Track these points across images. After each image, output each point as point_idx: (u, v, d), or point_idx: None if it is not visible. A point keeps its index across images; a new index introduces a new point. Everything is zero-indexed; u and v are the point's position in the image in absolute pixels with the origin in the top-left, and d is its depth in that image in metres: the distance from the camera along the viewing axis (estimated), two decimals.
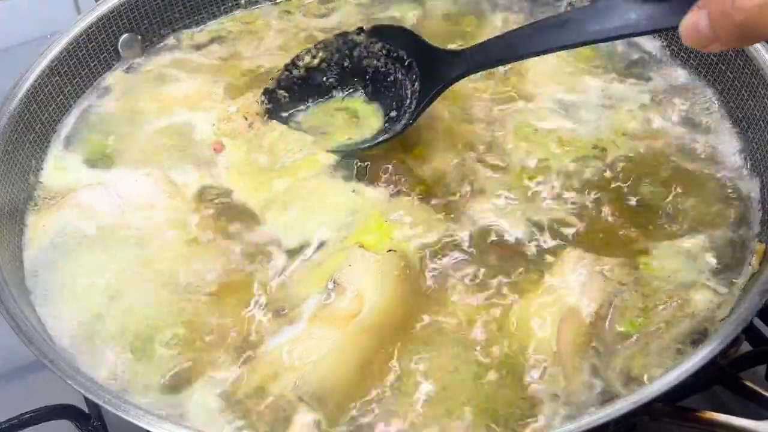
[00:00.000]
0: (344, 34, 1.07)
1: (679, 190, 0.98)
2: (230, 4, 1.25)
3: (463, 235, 0.95)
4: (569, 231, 0.95)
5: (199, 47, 1.21)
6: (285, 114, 1.08)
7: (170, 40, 1.22)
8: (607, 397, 0.82)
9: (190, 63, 1.19)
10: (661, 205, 0.97)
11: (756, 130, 1.01)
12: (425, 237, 0.95)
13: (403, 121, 1.00)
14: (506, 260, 0.93)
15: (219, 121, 1.09)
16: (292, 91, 1.08)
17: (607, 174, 1.00)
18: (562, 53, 1.10)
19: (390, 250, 0.93)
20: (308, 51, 1.08)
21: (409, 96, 1.02)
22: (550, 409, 0.82)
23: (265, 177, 1.03)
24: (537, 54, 0.93)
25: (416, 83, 1.01)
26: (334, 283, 0.91)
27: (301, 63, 1.08)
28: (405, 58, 1.02)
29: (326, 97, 1.08)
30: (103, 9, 1.14)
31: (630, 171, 1.00)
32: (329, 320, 0.88)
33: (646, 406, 0.76)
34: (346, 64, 1.07)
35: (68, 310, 0.92)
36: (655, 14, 0.80)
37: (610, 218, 0.96)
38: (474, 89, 1.10)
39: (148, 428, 0.77)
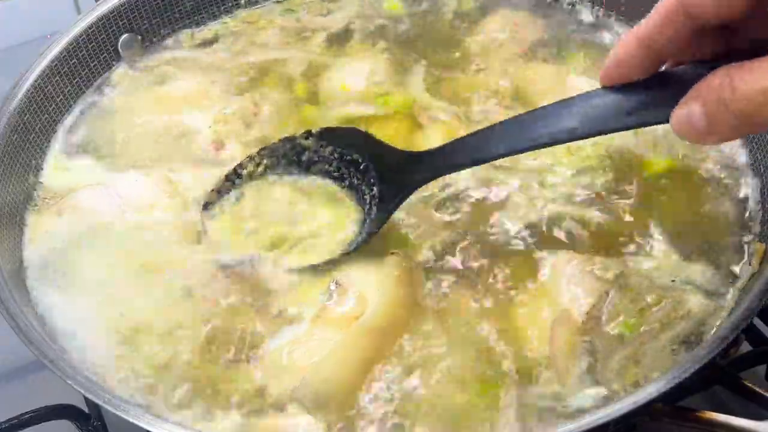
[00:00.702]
0: (291, 139, 0.97)
1: (677, 189, 0.98)
2: (230, 4, 1.25)
3: (463, 236, 0.95)
4: (564, 232, 0.95)
5: (199, 47, 1.21)
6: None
7: (170, 40, 1.22)
8: (603, 399, 0.82)
9: (191, 63, 1.19)
10: (659, 205, 0.97)
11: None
12: (426, 238, 0.95)
13: (364, 234, 0.93)
14: (505, 261, 0.93)
15: (216, 122, 1.09)
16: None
17: (602, 171, 1.00)
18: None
19: (392, 252, 0.93)
20: (251, 158, 0.98)
21: (368, 201, 0.94)
22: (546, 412, 0.82)
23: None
24: (509, 153, 0.84)
25: (374, 188, 0.93)
26: (336, 284, 0.91)
27: (244, 171, 0.99)
28: (360, 161, 0.94)
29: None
30: (103, 9, 1.14)
31: (627, 169, 1.00)
32: (331, 321, 0.88)
33: (646, 406, 0.76)
34: (293, 170, 0.99)
35: (68, 311, 0.92)
36: (640, 106, 0.72)
37: (604, 217, 0.96)
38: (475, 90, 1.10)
39: (148, 428, 0.77)
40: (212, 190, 0.99)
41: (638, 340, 0.85)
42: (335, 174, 0.97)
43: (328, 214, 0.97)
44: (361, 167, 0.95)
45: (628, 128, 0.75)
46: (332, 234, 0.95)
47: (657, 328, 0.86)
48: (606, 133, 0.76)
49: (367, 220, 0.94)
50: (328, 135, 0.97)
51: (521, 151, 0.83)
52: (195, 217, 0.99)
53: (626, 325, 0.86)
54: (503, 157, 0.86)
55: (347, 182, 0.97)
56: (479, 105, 1.09)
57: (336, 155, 0.96)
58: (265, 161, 0.99)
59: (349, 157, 0.95)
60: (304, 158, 0.98)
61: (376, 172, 0.94)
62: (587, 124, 0.75)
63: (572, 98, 0.77)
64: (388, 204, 0.93)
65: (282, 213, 0.98)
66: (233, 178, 0.99)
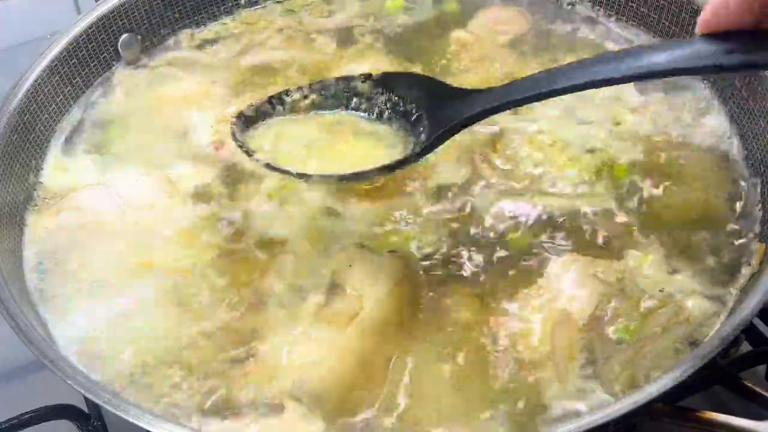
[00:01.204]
0: (347, 79, 0.96)
1: (677, 190, 0.98)
2: (230, 4, 1.25)
3: (463, 236, 0.95)
4: (567, 233, 0.95)
5: (199, 47, 1.21)
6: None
7: (170, 40, 1.22)
8: (604, 399, 0.82)
9: (191, 63, 1.19)
10: (659, 206, 0.97)
11: (756, 130, 1.01)
12: (426, 238, 0.95)
13: (413, 151, 0.90)
14: (503, 263, 0.93)
15: (218, 122, 1.09)
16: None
17: (604, 173, 1.00)
18: None
19: (390, 251, 0.93)
20: (300, 88, 0.96)
21: (418, 130, 0.92)
22: (546, 412, 0.82)
23: None
24: (557, 93, 0.81)
25: (422, 135, 0.91)
26: (334, 283, 0.91)
27: (288, 98, 0.96)
28: (413, 111, 0.92)
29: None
30: (103, 9, 1.14)
31: (628, 171, 1.00)
32: (329, 321, 0.88)
33: (646, 406, 0.76)
34: (342, 107, 0.97)
35: (68, 311, 0.92)
36: (745, 46, 0.71)
37: (606, 219, 0.96)
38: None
39: (148, 428, 0.77)
40: (250, 105, 0.96)
41: (639, 343, 0.85)
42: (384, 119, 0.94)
43: (363, 148, 0.94)
44: (413, 118, 0.92)
45: (722, 69, 0.73)
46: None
47: (658, 332, 0.86)
48: (694, 73, 0.75)
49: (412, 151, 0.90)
50: (385, 80, 0.94)
51: (587, 87, 0.79)
52: (195, 216, 0.99)
53: (627, 329, 0.86)
54: (568, 93, 0.82)
55: (394, 126, 0.94)
56: None
57: (389, 105, 0.94)
58: (313, 95, 0.97)
59: (402, 108, 0.93)
60: (353, 103, 0.96)
61: (428, 120, 0.91)
62: (677, 60, 0.73)
63: (661, 43, 0.75)
64: (437, 133, 0.89)
65: (315, 145, 0.95)
66: (276, 103, 0.96)
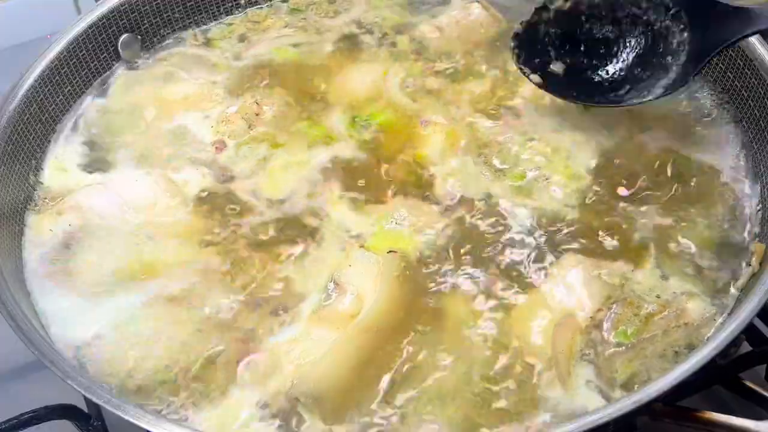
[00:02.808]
0: None
1: (677, 190, 0.98)
2: (230, 5, 1.25)
3: (463, 236, 0.95)
4: (568, 235, 0.95)
5: (200, 47, 1.21)
6: (536, 60, 1.04)
7: (171, 40, 1.22)
8: (604, 399, 0.82)
9: (191, 63, 1.18)
10: (660, 207, 0.97)
11: (756, 130, 1.01)
12: (426, 238, 0.95)
13: (676, 76, 0.97)
14: (503, 262, 0.93)
15: (218, 122, 1.09)
16: (541, 37, 1.04)
17: (605, 174, 1.00)
18: None
19: (390, 251, 0.93)
20: None
21: (674, 47, 0.98)
22: (547, 412, 0.82)
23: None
24: None
25: (685, 33, 0.97)
26: (334, 283, 0.91)
27: (552, 6, 1.03)
28: (670, 6, 0.98)
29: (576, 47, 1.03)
30: (103, 9, 1.14)
31: (628, 170, 1.00)
32: (328, 320, 0.88)
33: (646, 406, 0.76)
34: (600, 9, 1.02)
35: (69, 311, 0.92)
36: None
37: (606, 220, 0.96)
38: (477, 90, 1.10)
39: (148, 428, 0.77)
40: (521, 22, 1.04)
41: (639, 344, 0.85)
42: (643, 18, 1.00)
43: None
44: (672, 12, 0.97)
45: None
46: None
47: (659, 333, 0.86)
48: None
49: (675, 70, 0.97)
50: None
51: None
52: (195, 216, 0.99)
53: (626, 333, 0.86)
54: None
55: (650, 27, 0.99)
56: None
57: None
58: None
59: (658, 1, 0.98)
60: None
61: (688, 17, 0.96)
62: None
63: None
64: (701, 53, 0.95)
65: None
66: (541, 12, 1.03)
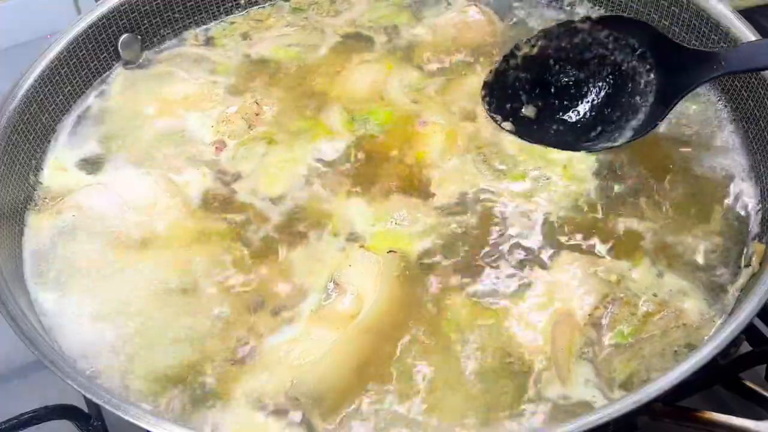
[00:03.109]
0: (568, 22, 1.01)
1: (677, 190, 0.98)
2: (230, 5, 1.24)
3: (463, 236, 0.95)
4: (567, 234, 0.95)
5: (200, 47, 1.21)
6: (508, 107, 1.02)
7: (171, 40, 1.22)
8: (604, 399, 0.82)
9: (192, 63, 1.18)
10: (659, 206, 0.97)
11: (756, 130, 1.01)
12: (425, 238, 0.95)
13: (646, 117, 0.97)
14: (503, 262, 0.93)
15: (219, 122, 1.09)
16: (511, 83, 1.03)
17: (605, 174, 1.00)
18: None
19: (390, 251, 0.93)
20: (527, 40, 1.01)
21: (642, 87, 0.98)
22: (547, 411, 0.82)
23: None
24: None
25: (651, 74, 0.97)
26: (333, 283, 0.91)
27: (519, 52, 1.02)
28: (636, 47, 0.97)
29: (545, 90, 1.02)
30: (103, 9, 1.14)
31: (627, 171, 1.00)
32: (328, 321, 0.88)
33: (646, 406, 0.76)
34: (567, 52, 1.01)
35: (69, 311, 0.92)
36: None
37: (606, 219, 0.96)
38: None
39: (148, 428, 0.77)
40: (490, 71, 1.02)
41: (639, 343, 0.85)
42: (610, 59, 0.99)
43: None
44: (638, 52, 0.97)
45: None
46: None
47: (658, 333, 0.86)
48: None
49: (644, 112, 0.97)
50: (605, 21, 0.99)
51: None
52: (195, 216, 0.99)
53: (623, 333, 0.86)
54: None
55: (617, 69, 0.99)
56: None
57: (611, 38, 0.98)
58: (540, 42, 1.01)
59: (624, 41, 0.98)
60: (576, 39, 1.00)
61: (654, 59, 0.96)
62: None
63: None
64: (668, 96, 0.95)
65: None
66: (509, 59, 1.02)
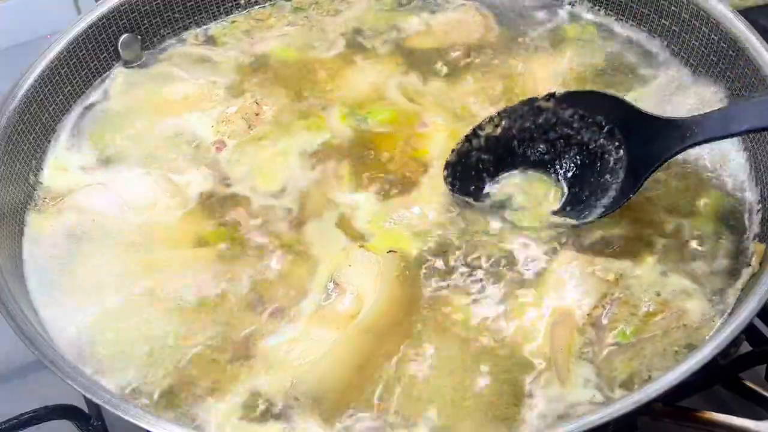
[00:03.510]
0: (531, 100, 0.97)
1: (677, 190, 0.98)
2: (230, 5, 1.24)
3: (462, 237, 0.95)
4: (567, 233, 0.95)
5: (200, 47, 1.21)
6: (472, 188, 0.99)
7: (171, 40, 1.22)
8: (604, 399, 0.82)
9: (192, 63, 1.18)
10: (658, 206, 0.97)
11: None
12: (426, 238, 0.95)
13: (616, 194, 0.93)
14: (503, 262, 0.93)
15: (218, 122, 1.09)
16: (474, 164, 0.99)
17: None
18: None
19: (390, 251, 0.93)
20: (490, 119, 0.98)
21: (611, 165, 0.94)
22: (547, 412, 0.82)
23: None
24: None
25: (621, 150, 0.93)
26: (333, 283, 0.91)
27: (482, 132, 0.98)
28: (603, 124, 0.94)
29: (510, 169, 0.99)
30: (103, 9, 1.14)
31: None
32: (328, 321, 0.89)
33: (646, 406, 0.76)
34: (531, 132, 0.98)
35: (68, 311, 0.92)
36: None
37: (606, 219, 0.95)
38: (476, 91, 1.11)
39: (148, 428, 0.77)
40: (452, 150, 0.99)
41: (639, 343, 0.85)
42: (576, 138, 0.96)
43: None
44: (605, 129, 0.94)
45: None
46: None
47: (658, 333, 0.86)
48: None
49: (614, 184, 0.93)
50: (570, 98, 0.96)
51: None
52: (195, 216, 0.99)
53: (625, 333, 0.86)
54: None
55: (585, 148, 0.96)
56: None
57: (577, 117, 0.95)
58: (503, 122, 0.98)
59: (590, 119, 0.95)
60: (541, 120, 0.97)
61: (623, 134, 0.93)
62: None
63: None
64: (639, 170, 0.91)
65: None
66: (471, 139, 0.99)
